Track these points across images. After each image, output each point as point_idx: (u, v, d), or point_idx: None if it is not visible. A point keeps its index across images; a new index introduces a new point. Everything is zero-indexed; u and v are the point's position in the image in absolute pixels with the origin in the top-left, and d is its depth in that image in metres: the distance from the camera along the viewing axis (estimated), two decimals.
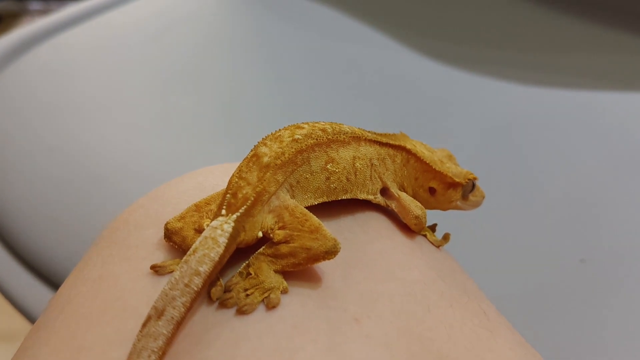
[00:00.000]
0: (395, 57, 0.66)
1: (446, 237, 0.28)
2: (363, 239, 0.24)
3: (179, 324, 0.18)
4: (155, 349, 0.17)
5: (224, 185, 0.24)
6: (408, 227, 0.26)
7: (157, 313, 0.18)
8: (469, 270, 0.28)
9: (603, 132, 0.55)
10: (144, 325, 0.18)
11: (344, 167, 0.24)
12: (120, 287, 0.20)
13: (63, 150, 0.52)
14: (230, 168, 0.27)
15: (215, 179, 0.26)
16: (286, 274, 0.21)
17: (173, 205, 0.24)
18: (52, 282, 0.46)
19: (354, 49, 0.68)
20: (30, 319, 0.45)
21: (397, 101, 0.61)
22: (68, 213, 0.47)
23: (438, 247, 0.28)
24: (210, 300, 0.20)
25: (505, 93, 0.60)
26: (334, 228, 0.24)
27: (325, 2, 0.75)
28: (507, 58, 0.67)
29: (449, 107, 0.60)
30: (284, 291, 0.20)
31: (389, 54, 0.67)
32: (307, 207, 0.22)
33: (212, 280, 0.19)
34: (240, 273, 0.20)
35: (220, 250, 0.19)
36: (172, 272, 0.20)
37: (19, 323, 0.52)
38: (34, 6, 1.68)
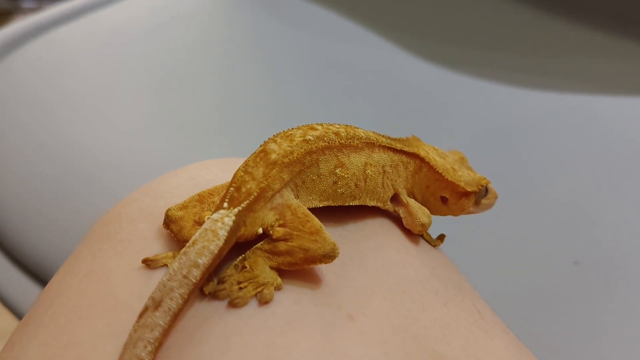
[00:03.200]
0: (391, 59, 0.66)
1: (441, 238, 0.28)
2: (358, 236, 0.24)
3: (176, 316, 0.18)
4: (152, 340, 0.17)
5: (218, 180, 0.24)
6: (402, 225, 0.26)
7: (155, 304, 0.18)
8: (463, 271, 0.28)
9: (598, 136, 0.55)
10: (141, 315, 0.18)
11: (354, 173, 0.23)
12: (111, 281, 0.20)
13: (54, 147, 0.52)
14: (226, 163, 0.26)
15: (209, 173, 0.25)
16: (281, 271, 0.20)
17: (166, 199, 0.23)
18: (42, 279, 0.46)
19: (351, 50, 0.68)
20: (20, 317, 0.45)
21: (393, 103, 0.61)
22: (58, 210, 0.47)
23: (434, 246, 0.28)
24: (203, 294, 0.19)
25: (501, 96, 0.60)
26: (330, 224, 0.24)
27: (322, 2, 0.75)
28: (503, 61, 0.67)
29: (445, 110, 0.60)
30: (278, 288, 0.20)
31: (385, 55, 0.67)
32: (310, 209, 0.22)
33: (210, 272, 0.19)
34: (236, 266, 0.20)
35: (220, 243, 0.19)
36: (164, 265, 0.20)
37: (8, 322, 0.52)
38: (27, 4, 1.67)
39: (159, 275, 0.20)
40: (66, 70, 0.62)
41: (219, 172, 0.26)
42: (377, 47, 0.68)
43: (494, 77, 0.63)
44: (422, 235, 0.27)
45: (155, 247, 0.21)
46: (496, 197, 0.29)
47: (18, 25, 0.67)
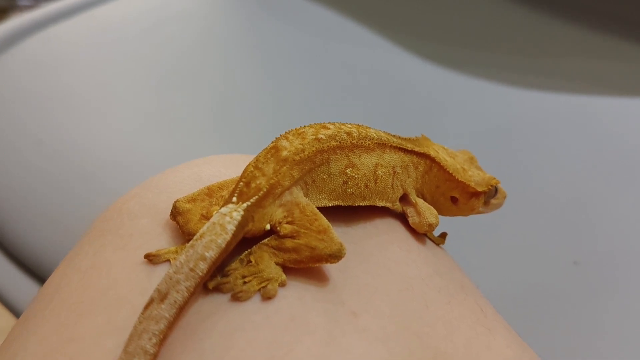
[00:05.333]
0: (389, 58, 0.66)
1: (443, 236, 0.28)
2: (363, 234, 0.24)
3: (182, 309, 0.18)
4: (157, 332, 0.17)
5: (220, 176, 0.24)
6: (407, 223, 0.26)
7: (161, 296, 0.17)
8: (464, 270, 0.28)
9: (597, 136, 0.55)
10: (146, 307, 0.17)
11: (364, 173, 0.23)
12: (112, 276, 0.20)
13: (51, 144, 0.51)
14: (228, 159, 0.26)
15: (211, 168, 0.25)
16: (286, 268, 0.20)
17: (168, 194, 0.23)
18: (39, 277, 0.45)
19: (349, 49, 0.68)
20: (17, 315, 0.44)
21: (391, 102, 0.61)
22: (56, 208, 0.46)
23: (437, 245, 0.27)
24: (206, 290, 0.19)
25: (500, 96, 0.60)
26: (335, 222, 0.24)
27: (320, 1, 0.75)
28: (503, 61, 0.67)
29: (444, 109, 0.60)
30: (282, 284, 0.20)
31: (383, 54, 0.67)
32: (319, 208, 0.22)
33: (216, 266, 0.19)
34: (241, 260, 0.20)
35: (228, 237, 0.19)
36: (167, 261, 0.20)
37: (5, 320, 0.52)
38: (23, 2, 1.66)
39: (160, 270, 0.20)
40: (63, 68, 0.61)
41: (221, 167, 0.25)
42: (376, 46, 0.68)
43: (494, 77, 0.63)
44: (425, 234, 0.27)
45: (157, 242, 0.21)
46: (505, 197, 0.29)
47: (14, 22, 0.67)
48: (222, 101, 0.60)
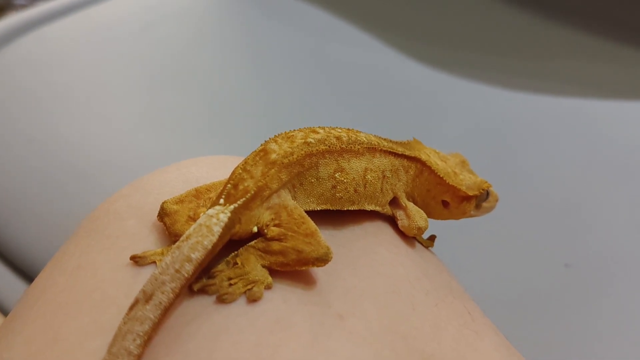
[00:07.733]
0: (384, 60, 0.66)
1: (432, 239, 0.28)
2: (350, 237, 0.24)
3: (167, 310, 0.18)
4: (141, 333, 0.17)
5: (209, 178, 0.24)
6: (396, 226, 0.26)
7: (146, 297, 0.17)
8: (454, 273, 0.28)
9: (591, 139, 0.55)
10: (131, 308, 0.17)
11: (353, 178, 0.23)
12: (99, 277, 0.20)
13: (44, 143, 0.51)
14: (216, 161, 0.26)
15: (199, 170, 0.25)
16: (272, 271, 0.20)
17: (155, 196, 0.23)
18: (29, 276, 0.45)
19: (345, 50, 0.68)
20: (4, 314, 0.44)
21: (385, 104, 0.61)
22: (47, 206, 0.46)
23: (426, 247, 0.27)
24: (191, 292, 0.19)
25: (495, 98, 0.60)
26: (323, 224, 0.24)
27: (316, 2, 0.75)
28: (498, 64, 0.67)
29: (438, 112, 0.60)
30: (268, 287, 0.20)
31: (377, 56, 0.67)
32: (307, 212, 0.22)
33: (202, 268, 0.19)
34: (227, 262, 0.20)
35: (214, 239, 0.19)
36: (152, 262, 0.20)
37: None
38: (19, 0, 1.65)
39: (146, 272, 0.20)
40: (58, 67, 0.61)
41: (209, 169, 0.25)
42: (370, 48, 0.68)
43: (487, 80, 0.63)
44: (414, 237, 0.27)
45: (144, 243, 0.21)
46: (497, 200, 0.29)
47: (10, 20, 0.67)
48: (214, 102, 0.60)
